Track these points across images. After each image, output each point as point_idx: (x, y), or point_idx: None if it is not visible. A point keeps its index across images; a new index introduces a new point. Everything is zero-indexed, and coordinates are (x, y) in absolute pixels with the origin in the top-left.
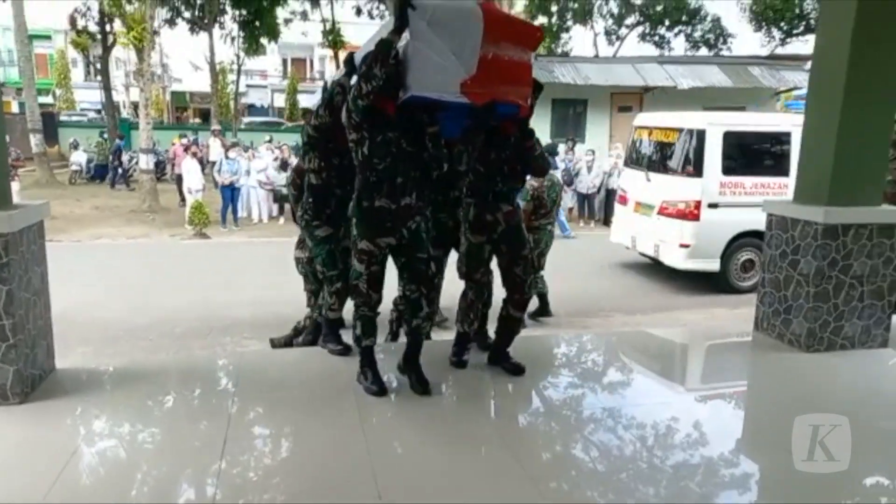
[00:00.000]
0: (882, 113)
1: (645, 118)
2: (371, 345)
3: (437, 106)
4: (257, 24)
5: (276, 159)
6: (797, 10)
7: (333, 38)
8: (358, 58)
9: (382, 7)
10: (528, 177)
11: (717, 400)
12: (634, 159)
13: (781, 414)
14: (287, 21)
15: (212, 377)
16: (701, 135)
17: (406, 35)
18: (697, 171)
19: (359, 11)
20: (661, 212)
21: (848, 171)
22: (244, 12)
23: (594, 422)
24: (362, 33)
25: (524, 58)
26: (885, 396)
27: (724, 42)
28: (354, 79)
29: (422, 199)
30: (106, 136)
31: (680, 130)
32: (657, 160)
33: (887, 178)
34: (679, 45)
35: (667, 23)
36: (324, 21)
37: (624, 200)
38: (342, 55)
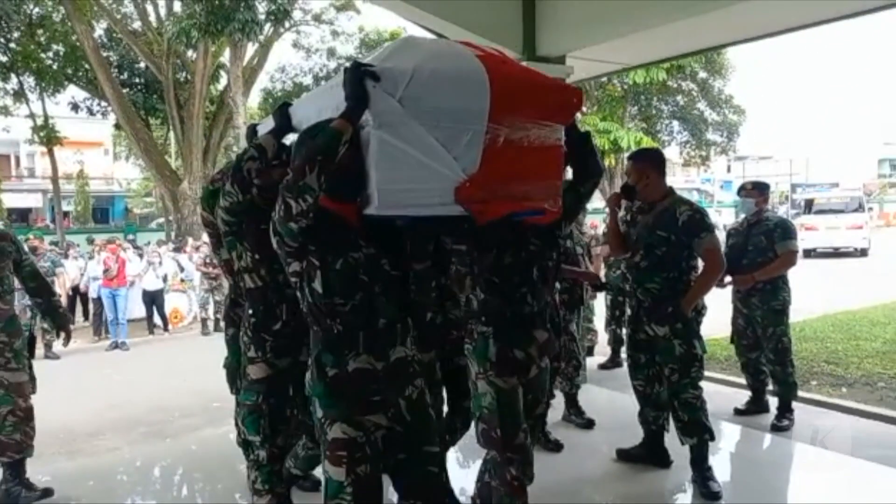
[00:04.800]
0: None
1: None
2: None
3: (422, 224)
4: None
5: None
6: None
7: (47, 134)
8: (263, 130)
9: (104, 104)
10: None
11: None
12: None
13: None
14: None
15: None
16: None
17: (366, 119)
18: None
19: (75, 107)
20: None
21: None
22: None
23: None
24: (80, 128)
25: (552, 138)
26: None
27: None
28: (281, 192)
29: (426, 344)
30: None
31: None
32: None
33: None
34: None
35: None
36: (32, 116)
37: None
38: (58, 152)
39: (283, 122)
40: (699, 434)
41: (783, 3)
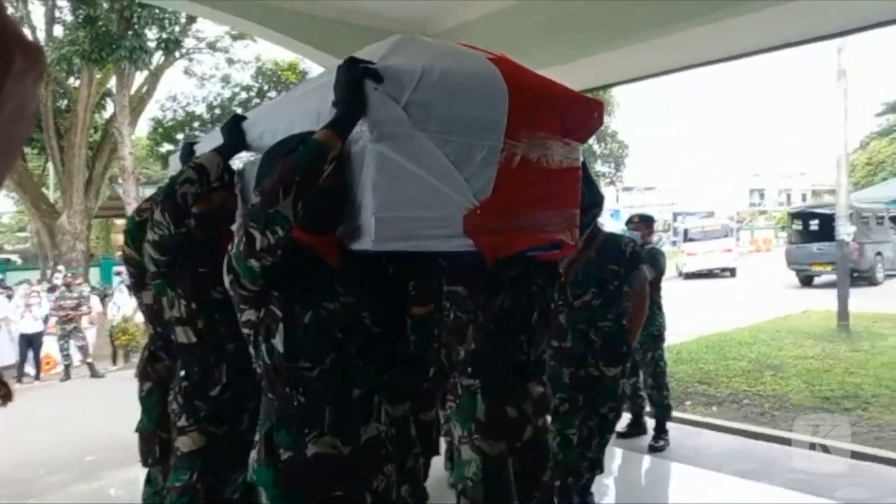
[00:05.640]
0: None
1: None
2: None
3: (421, 257)
4: None
5: None
6: None
7: None
8: (202, 149)
9: None
10: None
11: None
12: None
13: None
14: None
15: None
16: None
17: (361, 130)
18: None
19: None
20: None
21: None
22: None
23: None
24: None
25: (570, 158)
26: None
27: None
28: (237, 222)
29: (399, 395)
30: None
31: None
32: None
33: None
34: None
35: None
36: None
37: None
38: None
39: (236, 139)
40: (594, 469)
41: (669, 47)
